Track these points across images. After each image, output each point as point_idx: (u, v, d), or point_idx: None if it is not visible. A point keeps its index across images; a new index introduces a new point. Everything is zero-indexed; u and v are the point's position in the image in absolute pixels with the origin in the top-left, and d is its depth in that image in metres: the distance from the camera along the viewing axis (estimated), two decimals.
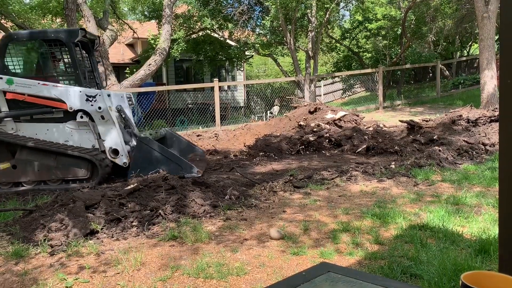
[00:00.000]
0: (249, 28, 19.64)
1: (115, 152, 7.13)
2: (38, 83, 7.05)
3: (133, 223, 4.67)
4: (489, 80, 12.52)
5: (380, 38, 22.98)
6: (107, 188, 5.67)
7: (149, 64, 13.32)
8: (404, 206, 5.10)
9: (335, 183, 6.32)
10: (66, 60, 7.83)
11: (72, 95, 7.02)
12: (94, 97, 7.01)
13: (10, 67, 7.46)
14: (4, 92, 7.09)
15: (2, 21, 13.69)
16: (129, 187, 5.29)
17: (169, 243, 4.22)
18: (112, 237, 4.42)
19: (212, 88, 14.10)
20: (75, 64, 7.35)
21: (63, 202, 4.87)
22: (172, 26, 16.08)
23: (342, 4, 19.85)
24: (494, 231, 3.94)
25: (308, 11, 17.34)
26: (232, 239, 4.29)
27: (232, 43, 20.09)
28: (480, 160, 7.31)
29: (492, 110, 9.96)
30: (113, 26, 14.90)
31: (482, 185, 5.85)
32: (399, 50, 20.96)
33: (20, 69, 7.72)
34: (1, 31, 13.53)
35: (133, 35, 20.75)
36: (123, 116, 7.40)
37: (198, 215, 4.96)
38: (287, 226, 4.57)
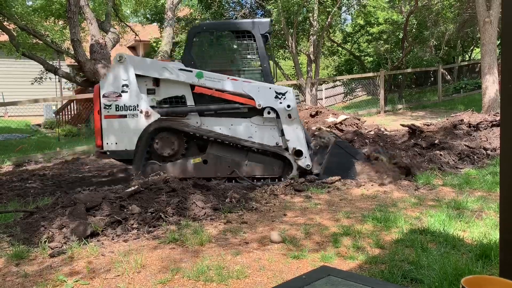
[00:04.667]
0: None
1: (299, 153, 6.60)
2: (228, 78, 6.62)
3: (134, 226, 4.66)
4: (491, 85, 12.51)
5: (382, 42, 23.00)
6: (108, 190, 5.67)
7: None
8: (405, 210, 5.10)
9: (336, 187, 6.31)
10: (252, 53, 7.24)
11: (262, 92, 6.57)
12: (284, 94, 6.56)
13: (198, 60, 7.02)
14: (192, 86, 6.69)
15: (5, 23, 13.70)
16: (130, 189, 5.29)
17: (170, 246, 4.22)
18: (113, 239, 4.42)
19: None
20: (264, 58, 6.86)
21: (64, 204, 4.87)
22: (174, 29, 16.12)
23: (344, 8, 19.91)
24: (495, 235, 3.93)
25: (310, 14, 17.38)
26: (232, 242, 4.29)
27: None
28: (482, 164, 7.30)
29: (494, 115, 9.95)
30: (115, 28, 14.89)
31: (483, 189, 5.85)
32: (401, 54, 20.98)
33: (208, 62, 7.22)
34: (4, 33, 13.55)
35: (135, 38, 20.75)
36: None
37: (199, 218, 4.96)
38: (288, 229, 4.57)
